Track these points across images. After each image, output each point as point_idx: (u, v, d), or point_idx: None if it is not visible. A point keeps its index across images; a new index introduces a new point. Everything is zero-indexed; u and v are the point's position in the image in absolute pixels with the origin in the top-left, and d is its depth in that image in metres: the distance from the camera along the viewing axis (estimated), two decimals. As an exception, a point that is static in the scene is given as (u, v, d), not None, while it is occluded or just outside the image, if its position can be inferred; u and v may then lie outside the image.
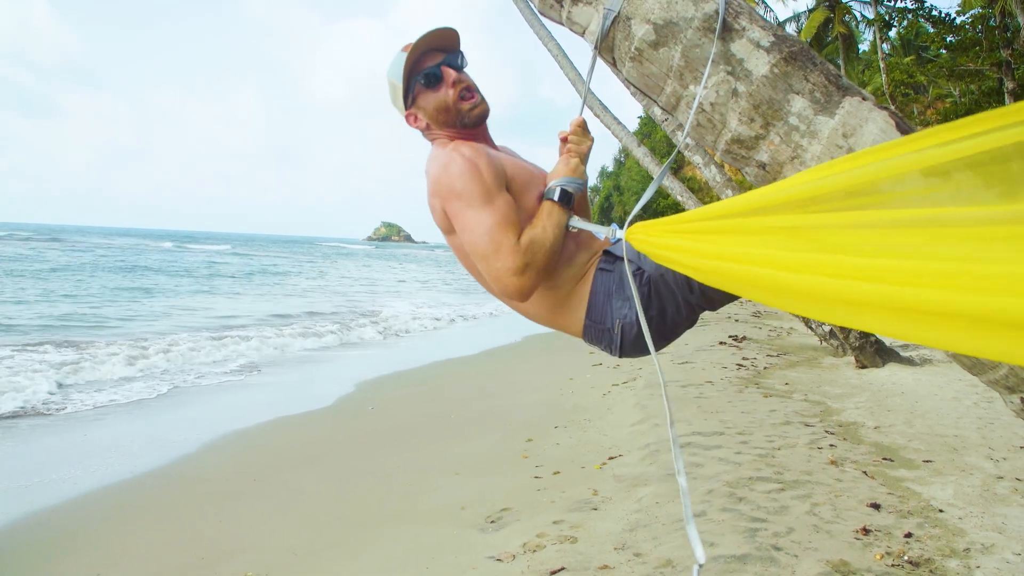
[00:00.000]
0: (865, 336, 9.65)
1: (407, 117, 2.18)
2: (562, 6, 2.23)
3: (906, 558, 3.93)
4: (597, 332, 2.12)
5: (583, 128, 2.19)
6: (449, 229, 2.10)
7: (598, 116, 8.65)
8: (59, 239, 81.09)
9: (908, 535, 4.23)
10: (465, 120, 2.14)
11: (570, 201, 2.04)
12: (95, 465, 6.54)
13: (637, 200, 2.10)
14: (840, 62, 34.23)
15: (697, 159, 8.42)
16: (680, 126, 2.45)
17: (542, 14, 2.31)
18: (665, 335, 2.12)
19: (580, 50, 2.36)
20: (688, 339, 14.15)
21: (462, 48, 2.16)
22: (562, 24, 2.27)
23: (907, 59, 34.66)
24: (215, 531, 5.05)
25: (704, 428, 6.72)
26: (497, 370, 11.80)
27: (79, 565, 4.61)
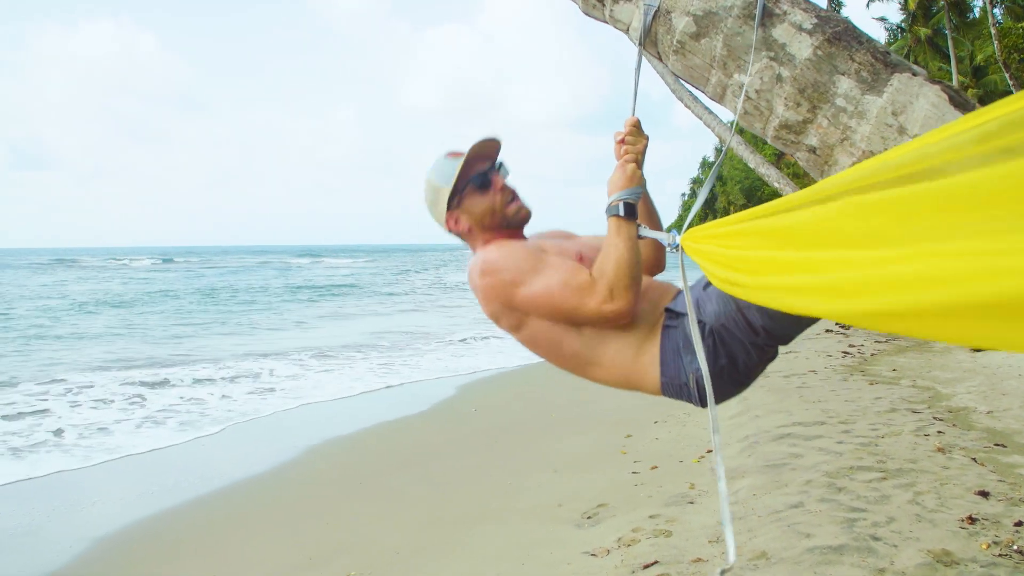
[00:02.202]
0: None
1: (448, 219, 2.21)
2: (604, 5, 2.25)
3: (1015, 547, 3.76)
4: (675, 388, 2.11)
5: (638, 128, 2.18)
6: (517, 325, 2.11)
7: (689, 107, 8.57)
8: (209, 262, 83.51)
9: (1019, 524, 4.05)
10: (511, 222, 2.18)
11: (634, 213, 2.04)
12: (210, 471, 6.89)
13: (741, 189, 2.07)
14: (947, 31, 32.68)
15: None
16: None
17: (586, 14, 2.34)
18: (740, 380, 2.11)
19: (627, 47, 2.37)
20: (793, 328, 13.83)
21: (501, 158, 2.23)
22: (606, 23, 2.29)
23: (1021, 24, 32.80)
24: (322, 533, 5.25)
25: (805, 418, 6.57)
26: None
27: (195, 567, 4.87)
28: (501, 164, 2.21)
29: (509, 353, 13.17)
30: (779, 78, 1.97)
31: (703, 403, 2.08)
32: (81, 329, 19.94)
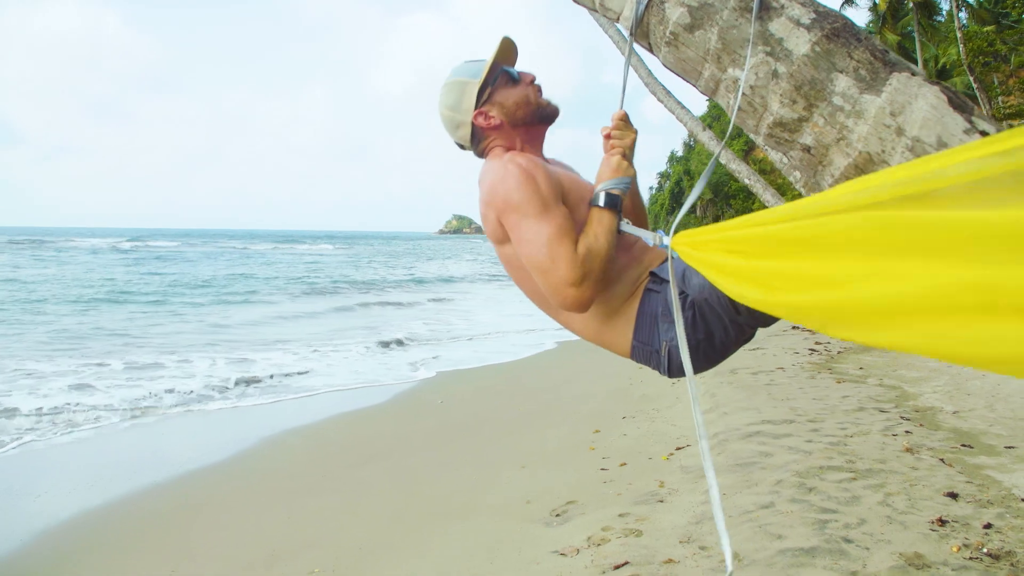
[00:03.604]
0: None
1: (476, 117, 2.14)
2: (594, -8, 2.17)
3: (985, 550, 3.76)
4: (645, 353, 2.08)
5: (625, 121, 2.14)
6: (501, 239, 2.07)
7: (662, 101, 8.51)
8: (189, 242, 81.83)
9: (987, 526, 4.05)
10: (544, 113, 2.17)
11: (617, 204, 2.00)
12: (162, 460, 6.74)
13: (709, 184, 2.03)
14: (915, 34, 33.06)
15: (763, 141, 8.21)
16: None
17: (575, 1, 2.25)
18: (713, 358, 2.08)
19: (600, 38, 2.30)
20: (760, 324, 13.90)
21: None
22: (595, 11, 2.21)
23: (987, 28, 33.26)
24: (284, 527, 5.14)
25: (774, 416, 6.57)
26: (565, 361, 11.76)
27: (150, 561, 4.73)
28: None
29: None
30: (775, 74, 1.90)
31: (671, 373, 2.08)
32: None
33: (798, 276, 1.35)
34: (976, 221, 1.03)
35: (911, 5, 32.52)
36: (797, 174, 8.04)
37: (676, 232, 1.82)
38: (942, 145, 1.78)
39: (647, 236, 1.99)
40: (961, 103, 1.83)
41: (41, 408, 8.46)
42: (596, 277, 1.92)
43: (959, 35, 27.89)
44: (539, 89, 2.18)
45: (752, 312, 1.94)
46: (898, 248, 1.12)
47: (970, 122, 1.79)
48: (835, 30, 1.88)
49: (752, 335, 2.12)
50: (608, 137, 2.11)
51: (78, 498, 5.84)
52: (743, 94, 1.96)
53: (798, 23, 1.89)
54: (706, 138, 8.92)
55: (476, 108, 2.13)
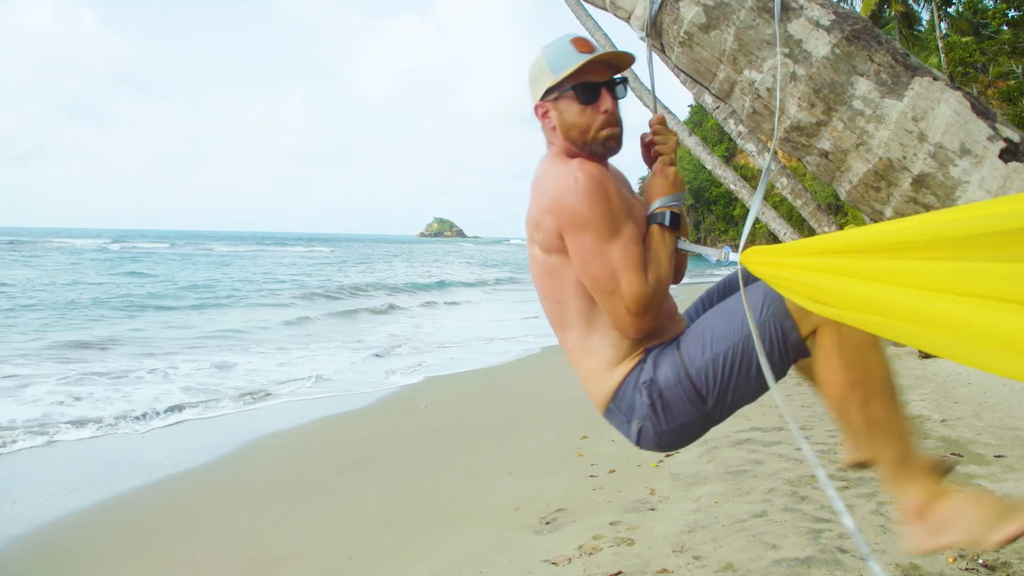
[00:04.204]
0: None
1: (536, 107, 2.04)
2: (606, -9, 2.12)
3: (981, 561, 3.73)
4: (618, 419, 2.06)
5: (664, 125, 2.04)
6: (552, 249, 1.97)
7: (647, 106, 8.48)
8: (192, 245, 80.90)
9: (983, 536, 4.02)
10: (594, 149, 1.98)
11: (678, 223, 1.94)
12: (140, 465, 6.62)
13: (690, 190, 1.98)
14: (896, 44, 33.30)
15: (751, 147, 8.22)
16: (733, 113, 2.33)
17: (586, 0, 2.20)
18: (676, 443, 2.08)
19: (624, 37, 2.24)
20: (744, 330, 13.90)
21: (628, 77, 2.06)
22: (605, 10, 2.16)
23: (966, 39, 33.60)
24: (267, 534, 5.04)
25: (763, 423, 6.54)
26: (550, 366, 11.70)
27: (128, 570, 4.62)
28: (621, 82, 1.99)
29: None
30: (794, 76, 1.85)
31: (637, 444, 2.05)
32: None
33: (866, 302, 1.41)
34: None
35: (892, 15, 32.77)
36: (784, 180, 8.06)
37: (744, 248, 1.77)
38: (965, 152, 1.73)
39: (710, 253, 1.93)
40: (984, 109, 1.79)
41: (17, 417, 8.30)
42: (659, 304, 1.88)
43: (940, 44, 28.14)
44: (608, 123, 1.96)
45: (721, 403, 1.94)
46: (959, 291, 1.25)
47: (994, 128, 1.74)
48: (855, 32, 1.83)
49: (706, 430, 2.08)
50: (650, 144, 2.01)
51: (56, 504, 5.71)
52: (759, 97, 1.91)
53: (818, 24, 1.84)
54: (692, 143, 8.92)
55: (540, 100, 2.02)
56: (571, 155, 1.99)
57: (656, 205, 1.92)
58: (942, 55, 27.96)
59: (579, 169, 1.88)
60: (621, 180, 2.09)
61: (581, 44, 1.93)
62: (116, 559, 4.79)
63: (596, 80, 1.93)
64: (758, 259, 1.72)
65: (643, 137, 2.03)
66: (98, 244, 78.56)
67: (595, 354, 2.02)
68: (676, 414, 1.96)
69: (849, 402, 1.81)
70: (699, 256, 2.06)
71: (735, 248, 1.81)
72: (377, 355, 13.45)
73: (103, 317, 19.02)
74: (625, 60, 1.97)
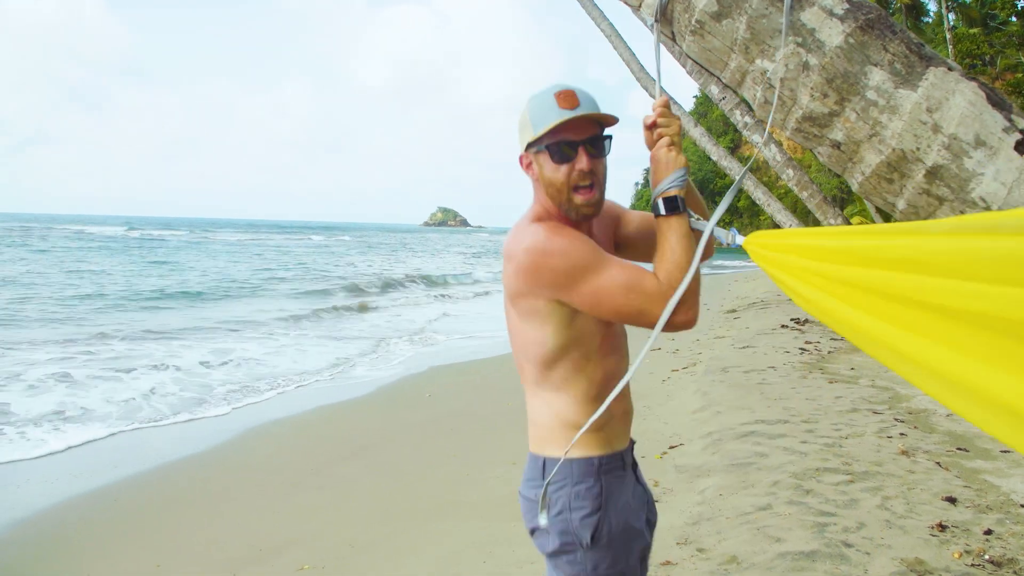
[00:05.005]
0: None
1: (520, 158, 1.98)
2: (615, -23, 2.09)
3: (987, 557, 3.72)
4: (527, 502, 2.04)
5: (668, 108, 1.98)
6: (530, 312, 1.90)
7: (652, 95, 8.43)
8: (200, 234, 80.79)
9: (988, 532, 4.01)
10: (568, 212, 1.90)
11: (681, 205, 1.84)
12: (141, 451, 6.62)
13: (694, 180, 1.95)
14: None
15: (757, 138, 8.18)
16: (739, 104, 2.30)
17: (595, -13, 2.17)
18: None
19: (631, 25, 2.21)
20: (749, 323, 13.89)
21: (612, 133, 1.94)
22: (616, -2, 2.13)
23: (974, 30, 33.40)
24: (270, 522, 5.04)
25: (768, 416, 6.52)
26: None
27: (132, 556, 4.62)
28: (603, 140, 1.91)
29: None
30: (806, 66, 1.82)
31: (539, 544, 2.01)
32: None
33: (866, 289, 1.37)
34: None
35: (898, 5, 32.58)
36: (790, 172, 8.01)
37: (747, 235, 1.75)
38: (980, 143, 1.70)
39: (720, 234, 1.87)
40: (1000, 100, 1.76)
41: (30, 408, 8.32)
42: (694, 290, 1.78)
43: (948, 36, 27.99)
44: (585, 181, 1.87)
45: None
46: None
47: (1009, 120, 1.71)
48: (869, 21, 1.80)
49: None
50: (652, 126, 1.94)
51: (59, 488, 5.72)
52: (771, 87, 1.88)
53: (831, 13, 1.81)
54: (697, 134, 8.90)
55: (523, 152, 1.96)
56: (541, 218, 1.94)
57: (658, 190, 1.85)
58: (950, 47, 27.82)
59: (537, 232, 1.85)
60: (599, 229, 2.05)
61: (564, 99, 1.85)
62: (118, 544, 4.79)
63: (574, 139, 1.85)
64: (761, 242, 1.69)
65: (646, 119, 1.96)
66: (115, 232, 78.50)
67: (553, 409, 1.99)
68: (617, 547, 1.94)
69: None
70: None
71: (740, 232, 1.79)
72: (384, 343, 13.45)
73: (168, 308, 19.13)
74: (609, 120, 1.90)
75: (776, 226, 2.39)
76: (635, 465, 2.10)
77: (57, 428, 7.35)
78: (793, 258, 1.56)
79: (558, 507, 1.92)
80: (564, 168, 1.85)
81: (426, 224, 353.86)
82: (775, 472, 5.04)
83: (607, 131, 1.92)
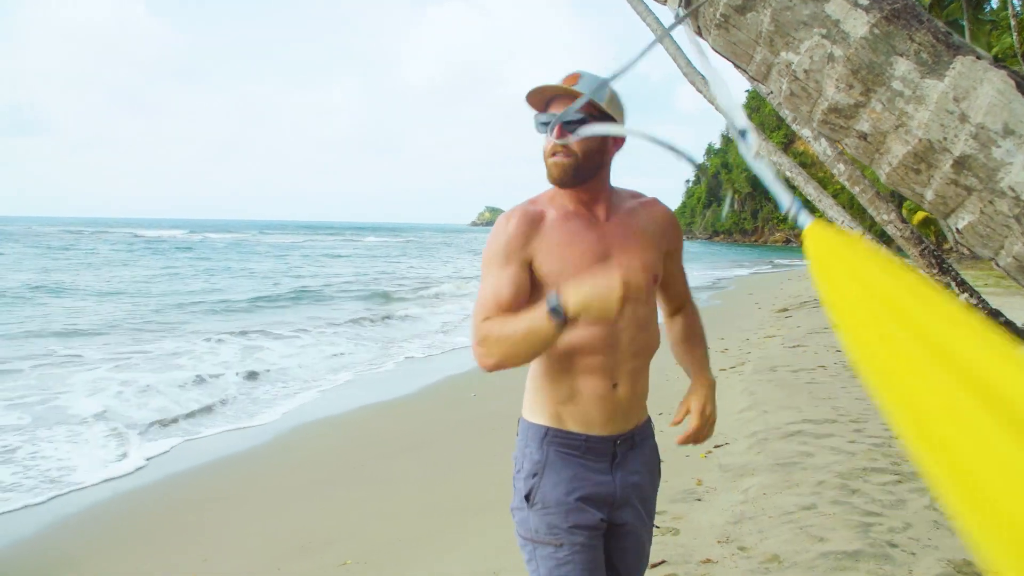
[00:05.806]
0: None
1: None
2: (640, -27, 2.09)
3: (1038, 557, 3.63)
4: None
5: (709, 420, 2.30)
6: None
7: (700, 91, 8.38)
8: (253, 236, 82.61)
9: (1040, 533, 3.91)
10: (548, 173, 1.96)
11: (563, 319, 1.74)
12: (188, 448, 6.77)
13: (747, 177, 1.87)
14: (964, 23, 32.34)
15: (806, 132, 8.06)
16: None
17: (620, -17, 2.18)
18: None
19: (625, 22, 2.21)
20: (801, 321, 13.69)
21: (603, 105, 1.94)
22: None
23: (1039, 18, 32.42)
24: (313, 519, 5.12)
25: (815, 415, 6.43)
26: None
27: (178, 550, 4.73)
28: (581, 119, 1.90)
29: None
30: (831, 57, 1.81)
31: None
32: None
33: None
34: None
35: (959, -6, 31.78)
36: (841, 167, 7.89)
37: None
38: (1009, 132, 1.68)
39: (784, 199, 1.64)
40: (1030, 88, 1.73)
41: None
42: (498, 358, 1.85)
43: (1013, 23, 27.20)
44: (553, 150, 1.92)
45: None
46: None
47: (1040, 108, 1.69)
48: (895, 11, 1.78)
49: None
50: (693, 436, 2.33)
51: (110, 484, 5.89)
52: (796, 79, 1.87)
53: (856, 4, 1.79)
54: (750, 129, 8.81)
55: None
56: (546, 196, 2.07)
57: (551, 292, 1.79)
58: (1014, 34, 27.06)
59: (514, 208, 2.01)
60: (559, 220, 1.99)
61: (569, 79, 1.92)
62: (164, 538, 4.92)
63: (557, 112, 1.92)
64: (819, 236, 1.55)
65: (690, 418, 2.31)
66: (178, 235, 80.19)
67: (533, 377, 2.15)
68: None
69: None
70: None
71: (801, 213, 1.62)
72: (429, 344, 13.54)
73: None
74: (567, 93, 1.91)
75: (807, 200, 2.34)
76: (627, 458, 2.18)
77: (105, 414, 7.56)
78: (859, 275, 1.34)
79: (517, 466, 2.17)
80: (544, 136, 1.98)
81: (474, 224, 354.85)
82: (821, 472, 4.98)
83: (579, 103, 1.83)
